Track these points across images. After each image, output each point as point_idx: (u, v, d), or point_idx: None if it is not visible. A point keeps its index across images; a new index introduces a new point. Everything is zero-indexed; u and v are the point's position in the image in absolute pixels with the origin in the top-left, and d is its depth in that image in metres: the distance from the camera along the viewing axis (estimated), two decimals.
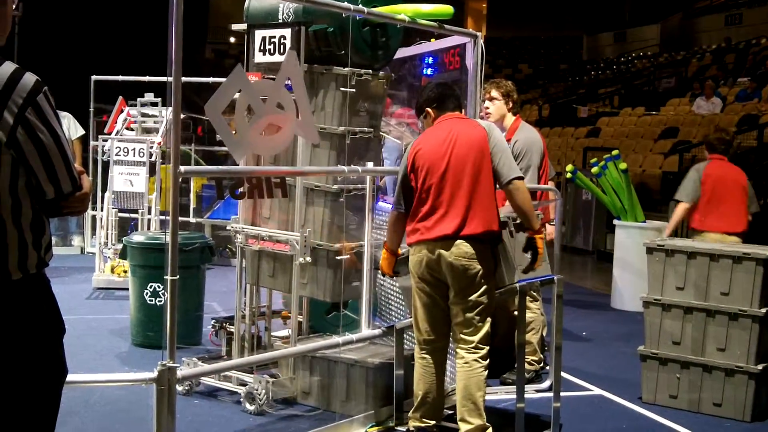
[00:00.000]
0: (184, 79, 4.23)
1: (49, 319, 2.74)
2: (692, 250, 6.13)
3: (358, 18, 5.61)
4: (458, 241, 4.79)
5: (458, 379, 4.93)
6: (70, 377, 2.90)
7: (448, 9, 5.76)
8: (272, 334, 6.46)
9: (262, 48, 5.77)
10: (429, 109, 5.11)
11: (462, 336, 4.92)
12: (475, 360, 4.88)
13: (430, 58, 7.08)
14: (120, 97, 10.89)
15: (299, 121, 4.88)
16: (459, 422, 4.92)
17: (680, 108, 20.33)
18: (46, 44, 17.35)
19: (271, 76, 5.37)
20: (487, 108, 6.63)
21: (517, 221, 5.09)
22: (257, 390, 5.69)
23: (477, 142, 4.86)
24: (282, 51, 5.65)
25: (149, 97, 10.52)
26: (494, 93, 6.61)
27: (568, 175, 10.88)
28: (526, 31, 39.20)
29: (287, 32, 5.65)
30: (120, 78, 11.47)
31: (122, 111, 10.64)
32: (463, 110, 5.25)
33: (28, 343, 2.64)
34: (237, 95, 4.58)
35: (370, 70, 5.90)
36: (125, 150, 9.50)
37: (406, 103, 8.08)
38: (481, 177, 4.83)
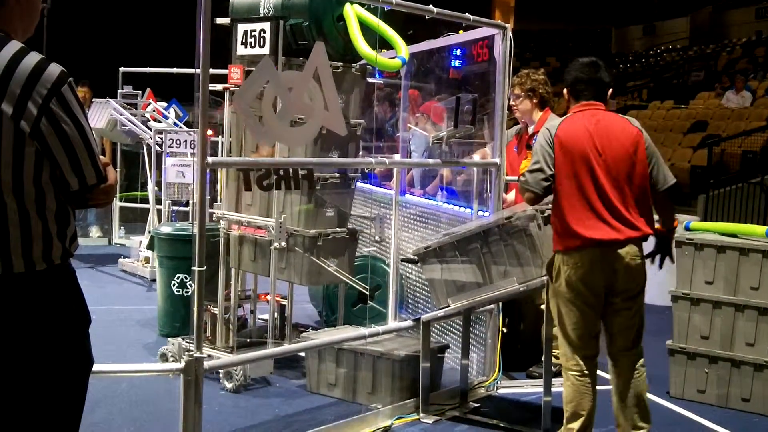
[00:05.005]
0: (211, 71, 4.23)
1: (74, 310, 2.74)
2: (722, 245, 6.07)
3: (380, 9, 5.62)
4: (628, 244, 4.56)
5: (630, 388, 4.71)
6: (97, 367, 2.90)
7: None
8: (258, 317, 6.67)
9: (243, 41, 5.92)
10: (565, 92, 4.81)
11: (631, 342, 4.74)
12: (642, 365, 4.78)
13: (458, 50, 7.06)
14: (148, 89, 10.93)
15: (327, 113, 4.87)
16: (632, 430, 4.71)
17: (709, 101, 20.17)
18: (75, 36, 17.42)
19: (252, 68, 5.52)
20: (514, 105, 6.62)
21: (545, 214, 5.06)
22: (235, 369, 5.83)
23: (632, 138, 4.61)
24: (262, 44, 5.81)
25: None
26: (517, 90, 6.59)
27: None
28: (554, 23, 39.01)
29: (267, 26, 5.79)
30: (148, 70, 11.51)
31: (150, 103, 10.67)
32: (608, 98, 4.83)
33: (53, 333, 2.64)
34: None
35: (349, 63, 5.97)
36: (177, 142, 9.50)
37: (433, 96, 8.06)
38: (635, 178, 4.60)
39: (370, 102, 7.99)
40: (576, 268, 4.58)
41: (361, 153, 6.36)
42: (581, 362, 4.69)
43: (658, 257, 4.89)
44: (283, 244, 5.76)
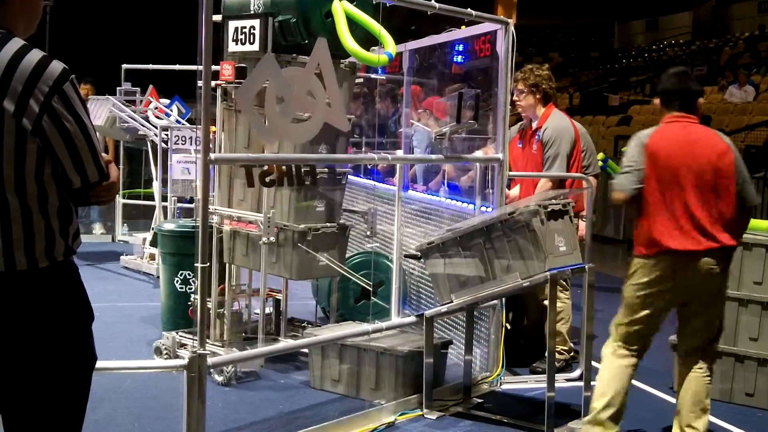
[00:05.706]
0: (213, 67, 4.23)
1: (77, 307, 2.74)
2: None
3: (382, 5, 5.61)
4: (708, 254, 4.64)
5: (689, 386, 4.85)
6: (101, 364, 2.91)
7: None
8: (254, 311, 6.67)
9: (234, 38, 5.95)
10: (657, 101, 4.93)
11: (708, 346, 4.89)
12: (712, 368, 4.91)
13: (461, 46, 7.05)
14: (151, 86, 10.92)
15: (329, 110, 4.86)
16: (685, 428, 4.83)
17: (712, 96, 20.14)
18: (77, 33, 17.44)
19: (243, 65, 5.67)
20: (518, 100, 6.62)
21: (549, 209, 5.06)
22: None
23: (719, 153, 4.70)
24: (252, 41, 5.84)
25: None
26: (520, 86, 6.59)
27: (599, 163, 10.76)
28: (557, 19, 38.97)
29: (256, 23, 5.82)
30: (150, 66, 11.51)
31: (151, 101, 10.66)
32: (698, 107, 4.93)
33: (56, 330, 2.65)
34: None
35: (337, 60, 5.94)
36: (183, 138, 9.49)
37: (435, 92, 8.05)
38: (720, 192, 4.69)
39: (372, 98, 7.99)
40: (652, 272, 4.69)
41: (363, 149, 6.35)
42: (638, 348, 4.83)
43: None
44: (272, 238, 5.80)
